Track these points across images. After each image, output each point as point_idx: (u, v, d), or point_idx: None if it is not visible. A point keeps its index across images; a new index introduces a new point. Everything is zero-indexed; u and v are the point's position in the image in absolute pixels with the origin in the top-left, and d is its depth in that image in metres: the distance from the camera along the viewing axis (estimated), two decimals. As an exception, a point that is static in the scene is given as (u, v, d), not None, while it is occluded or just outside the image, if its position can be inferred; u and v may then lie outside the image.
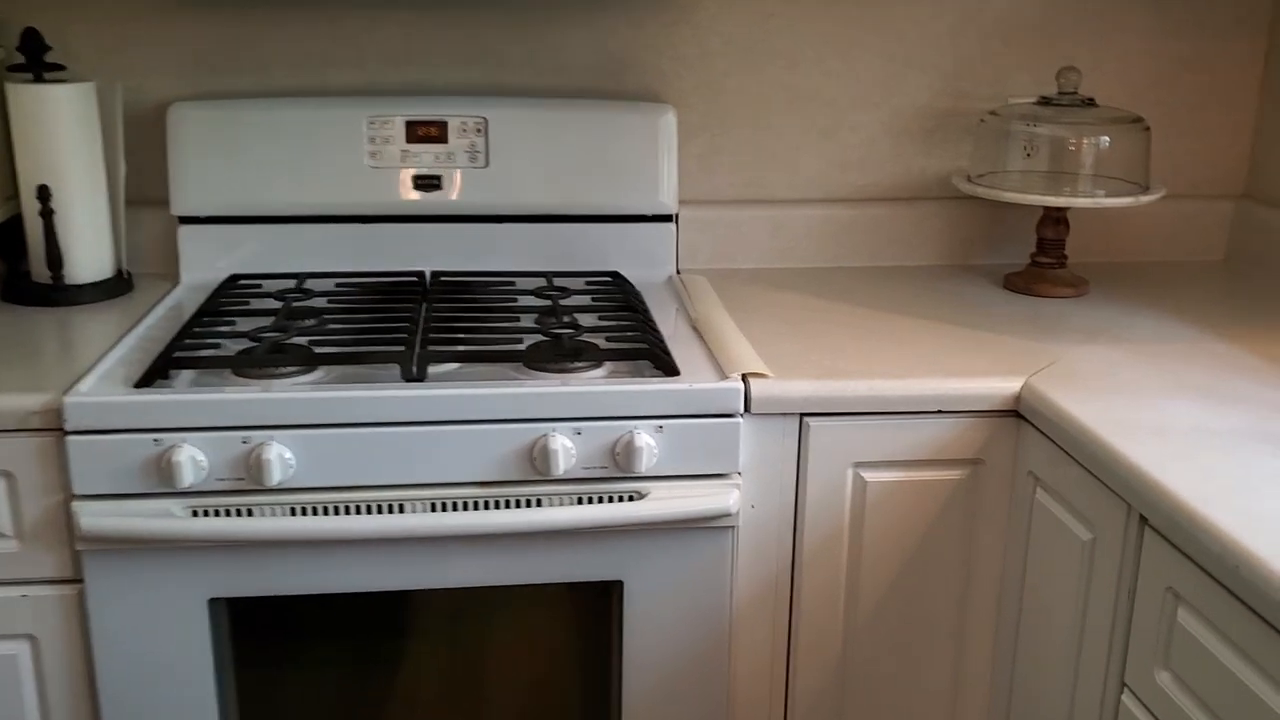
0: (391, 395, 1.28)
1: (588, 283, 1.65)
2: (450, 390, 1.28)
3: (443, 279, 1.65)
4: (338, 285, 1.62)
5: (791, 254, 1.83)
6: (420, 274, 1.67)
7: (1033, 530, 1.35)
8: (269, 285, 1.61)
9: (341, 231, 1.69)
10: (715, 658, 1.40)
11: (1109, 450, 1.18)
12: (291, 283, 1.62)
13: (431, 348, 1.37)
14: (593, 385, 1.30)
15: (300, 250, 1.69)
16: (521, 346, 1.38)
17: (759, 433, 1.35)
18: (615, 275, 1.69)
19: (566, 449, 1.29)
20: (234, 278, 1.65)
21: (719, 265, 1.82)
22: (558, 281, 1.64)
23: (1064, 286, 1.71)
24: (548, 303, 1.54)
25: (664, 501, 1.31)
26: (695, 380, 1.32)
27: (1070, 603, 1.27)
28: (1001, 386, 1.35)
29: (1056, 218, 1.72)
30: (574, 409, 1.29)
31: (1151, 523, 1.11)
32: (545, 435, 1.29)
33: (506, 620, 1.37)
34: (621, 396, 1.29)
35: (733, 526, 1.35)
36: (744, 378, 1.33)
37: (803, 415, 1.35)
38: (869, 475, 1.37)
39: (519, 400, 1.28)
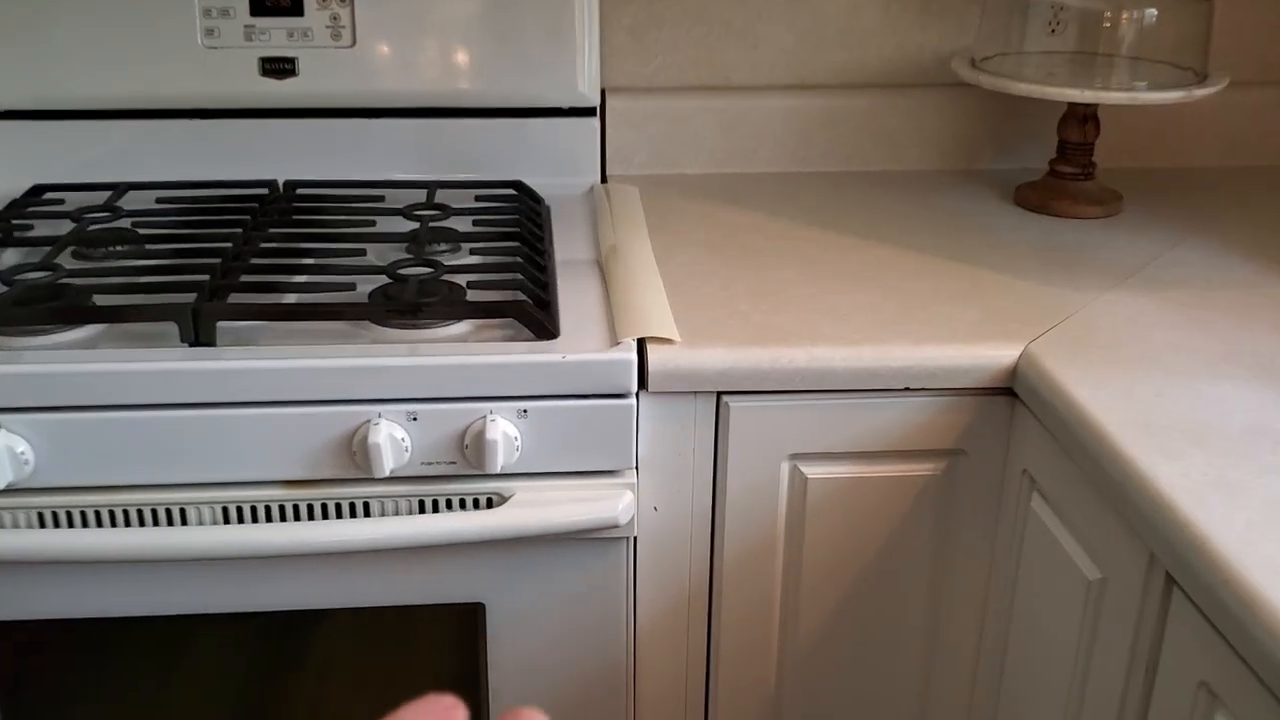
0: (156, 368, 0.95)
1: (479, 197, 1.30)
2: (234, 363, 0.95)
3: (297, 192, 1.30)
4: (159, 200, 1.28)
5: (751, 156, 1.46)
6: (271, 184, 1.32)
7: (1026, 549, 1.02)
8: (75, 199, 1.27)
9: (174, 130, 1.34)
10: (611, 693, 1.09)
11: (1124, 464, 0.83)
12: (104, 196, 1.28)
13: (232, 298, 1.03)
14: (429, 355, 0.96)
15: (124, 154, 1.35)
16: (356, 295, 1.05)
17: (663, 416, 1.01)
18: (518, 186, 1.33)
19: (396, 440, 0.96)
20: (37, 189, 1.31)
21: (658, 170, 1.45)
22: (441, 195, 1.29)
23: (1089, 204, 1.34)
24: (417, 225, 1.19)
25: (529, 509, 0.98)
26: (575, 347, 0.98)
27: (1069, 658, 0.94)
28: (993, 355, 1.01)
29: (1084, 115, 1.34)
30: (404, 387, 0.96)
31: (1181, 584, 0.77)
32: (367, 422, 0.96)
33: (339, 647, 1.06)
34: (469, 371, 0.96)
35: (628, 536, 1.03)
36: (639, 344, 0.99)
37: (720, 394, 1.01)
38: (810, 470, 1.04)
39: (326, 375, 0.95)
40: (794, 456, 1.03)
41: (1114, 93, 1.24)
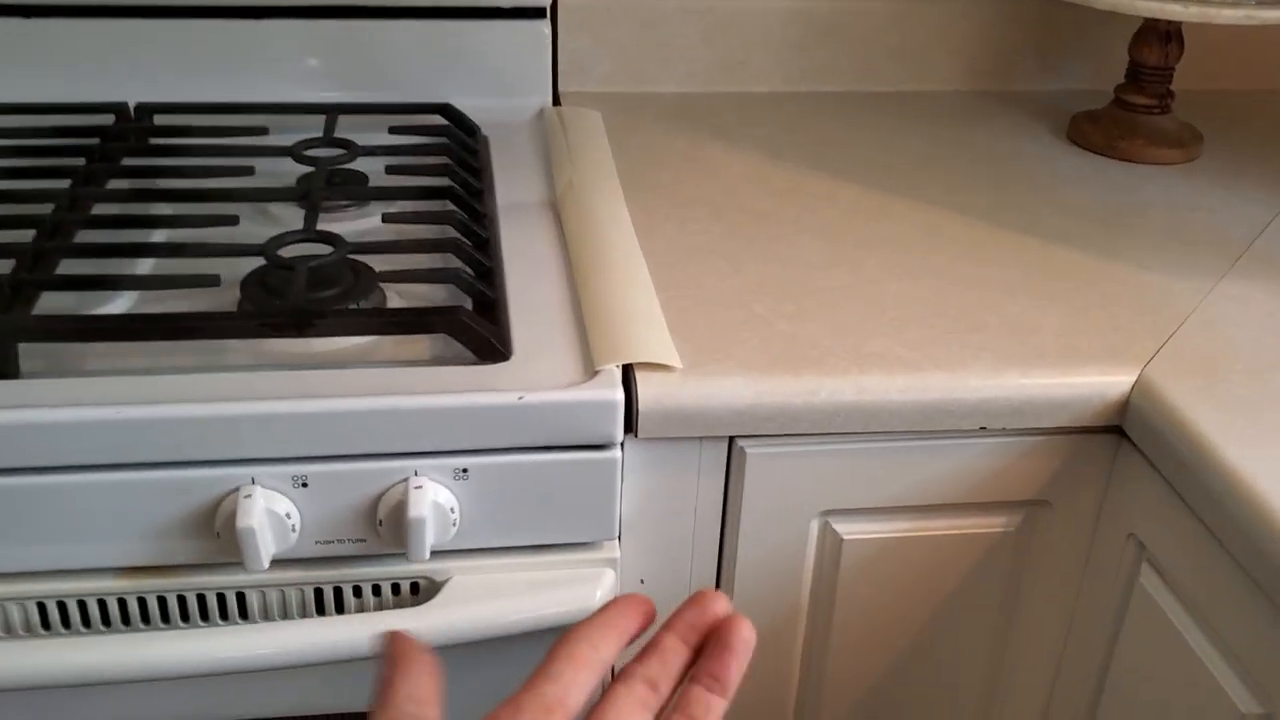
0: (-80, 422, 0.65)
1: (394, 128, 0.99)
2: (40, 413, 0.65)
3: (153, 120, 0.98)
4: (-41, 132, 0.95)
5: (739, 71, 1.16)
6: (119, 109, 0.99)
7: (1126, 637, 0.78)
8: None
9: (-17, 29, 1.01)
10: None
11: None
12: (-114, 123, 0.95)
13: (44, 302, 0.73)
14: (323, 398, 0.67)
15: (-84, 60, 1.01)
16: (222, 292, 0.75)
17: (656, 468, 0.74)
18: (445, 111, 1.02)
19: (278, 517, 0.67)
20: None
21: (625, 87, 1.15)
22: (344, 125, 0.98)
23: (1167, 146, 1.07)
24: (310, 172, 0.89)
25: (470, 606, 0.71)
26: (535, 378, 0.69)
27: (1198, 798, 0.71)
28: (1097, 385, 0.74)
29: (1166, 31, 1.06)
30: (288, 440, 0.67)
31: None
32: (234, 491, 0.67)
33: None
34: (383, 418, 0.67)
35: (603, 623, 0.76)
36: (626, 373, 0.71)
37: (734, 438, 0.74)
38: (847, 529, 0.78)
39: (174, 428, 0.66)
40: (827, 513, 0.77)
41: (1225, 10, 0.96)
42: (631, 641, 0.43)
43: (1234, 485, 0.65)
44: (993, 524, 0.79)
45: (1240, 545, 0.65)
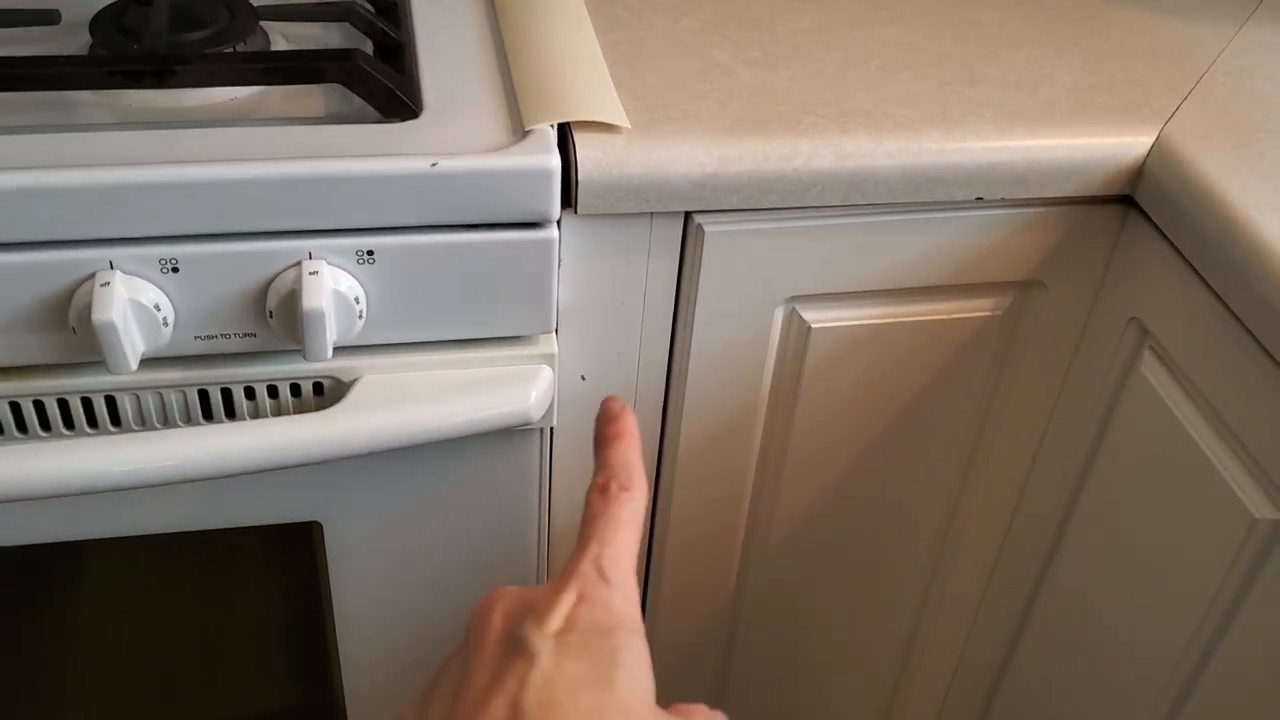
0: None
1: None
2: None
3: None
4: None
5: None
6: None
7: (1118, 429, 0.70)
8: None
9: None
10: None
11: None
12: None
13: None
14: (193, 164, 0.54)
15: None
16: (64, 32, 0.61)
17: (599, 249, 0.63)
18: None
19: (144, 309, 0.56)
20: None
21: None
22: None
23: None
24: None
25: (382, 412, 0.61)
26: (451, 140, 0.57)
27: (1187, 613, 0.65)
28: (1114, 146, 0.64)
29: None
30: (154, 216, 0.55)
31: None
32: (91, 277, 0.55)
33: (114, 578, 0.70)
34: (267, 188, 0.55)
35: (543, 427, 0.67)
36: (563, 135, 0.59)
37: (690, 214, 0.63)
38: (815, 316, 0.68)
39: (7, 199, 0.53)
40: (793, 299, 0.67)
41: None
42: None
43: (1265, 260, 0.56)
44: (978, 308, 0.70)
45: (1270, 330, 0.56)
